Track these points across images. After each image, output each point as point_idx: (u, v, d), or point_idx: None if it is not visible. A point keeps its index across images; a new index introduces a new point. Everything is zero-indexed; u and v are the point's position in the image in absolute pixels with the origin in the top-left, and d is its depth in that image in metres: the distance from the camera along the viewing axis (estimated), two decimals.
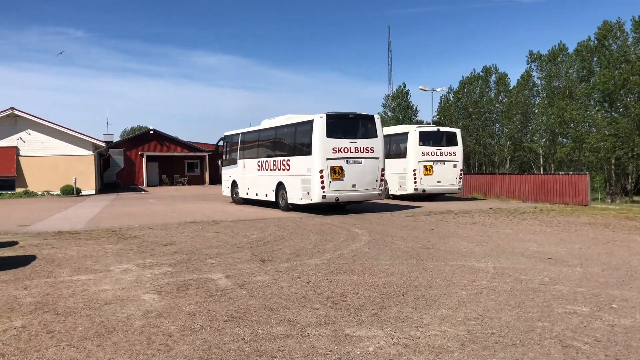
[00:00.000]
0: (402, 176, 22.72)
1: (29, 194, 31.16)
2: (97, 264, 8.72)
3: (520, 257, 9.04)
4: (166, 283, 7.24)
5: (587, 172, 22.59)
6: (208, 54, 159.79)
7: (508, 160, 59.06)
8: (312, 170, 16.72)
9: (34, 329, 5.28)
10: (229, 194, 23.69)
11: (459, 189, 22.95)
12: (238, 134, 22.90)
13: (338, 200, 16.89)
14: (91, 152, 33.56)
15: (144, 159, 45.89)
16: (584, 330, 5.07)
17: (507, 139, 58.18)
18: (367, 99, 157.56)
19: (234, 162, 23.07)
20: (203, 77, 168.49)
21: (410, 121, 63.53)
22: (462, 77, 65.55)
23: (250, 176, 21.41)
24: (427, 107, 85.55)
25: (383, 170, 17.54)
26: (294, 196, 17.83)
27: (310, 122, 17.04)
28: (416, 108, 69.37)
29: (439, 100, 68.25)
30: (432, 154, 22.40)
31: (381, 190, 17.57)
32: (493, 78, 62.18)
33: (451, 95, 66.09)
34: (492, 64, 63.21)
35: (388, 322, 5.39)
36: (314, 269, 8.12)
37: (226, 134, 24.19)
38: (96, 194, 33.12)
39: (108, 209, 20.79)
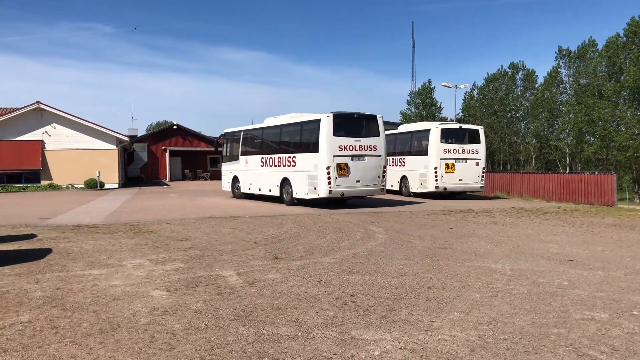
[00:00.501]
0: (423, 174, 22.44)
1: (53, 187, 31.69)
2: (110, 259, 8.75)
3: (540, 258, 8.78)
4: (176, 279, 7.20)
5: (614, 172, 21.96)
6: (233, 49, 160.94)
7: (533, 159, 58.01)
8: (319, 167, 17.26)
9: (39, 324, 5.27)
10: (230, 189, 23.79)
11: (481, 187, 22.58)
12: (240, 131, 23.04)
13: (343, 195, 17.65)
14: (115, 147, 33.96)
15: (167, 154, 46.31)
16: (601, 339, 4.85)
17: (533, 137, 57.12)
18: (391, 95, 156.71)
19: (235, 158, 23.24)
20: (228, 72, 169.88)
21: (433, 118, 62.90)
22: (488, 74, 64.55)
23: (253, 172, 21.59)
24: (450, 104, 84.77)
25: (385, 167, 18.36)
26: (300, 191, 18.35)
27: (317, 121, 17.56)
28: (440, 105, 68.71)
29: (463, 97, 67.46)
30: (454, 151, 22.08)
31: (383, 185, 18.37)
32: (520, 75, 61.13)
33: (475, 92, 65.23)
34: (519, 61, 62.14)
35: (397, 324, 5.24)
36: (326, 267, 8.00)
37: (227, 130, 24.25)
38: (119, 187, 33.51)
39: (129, 203, 20.98)
